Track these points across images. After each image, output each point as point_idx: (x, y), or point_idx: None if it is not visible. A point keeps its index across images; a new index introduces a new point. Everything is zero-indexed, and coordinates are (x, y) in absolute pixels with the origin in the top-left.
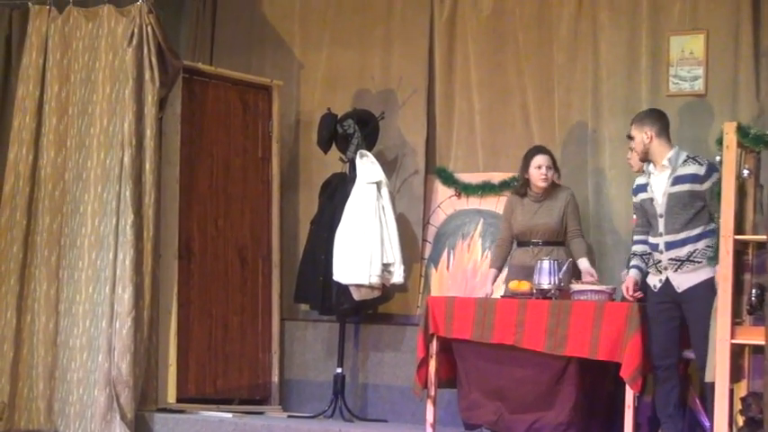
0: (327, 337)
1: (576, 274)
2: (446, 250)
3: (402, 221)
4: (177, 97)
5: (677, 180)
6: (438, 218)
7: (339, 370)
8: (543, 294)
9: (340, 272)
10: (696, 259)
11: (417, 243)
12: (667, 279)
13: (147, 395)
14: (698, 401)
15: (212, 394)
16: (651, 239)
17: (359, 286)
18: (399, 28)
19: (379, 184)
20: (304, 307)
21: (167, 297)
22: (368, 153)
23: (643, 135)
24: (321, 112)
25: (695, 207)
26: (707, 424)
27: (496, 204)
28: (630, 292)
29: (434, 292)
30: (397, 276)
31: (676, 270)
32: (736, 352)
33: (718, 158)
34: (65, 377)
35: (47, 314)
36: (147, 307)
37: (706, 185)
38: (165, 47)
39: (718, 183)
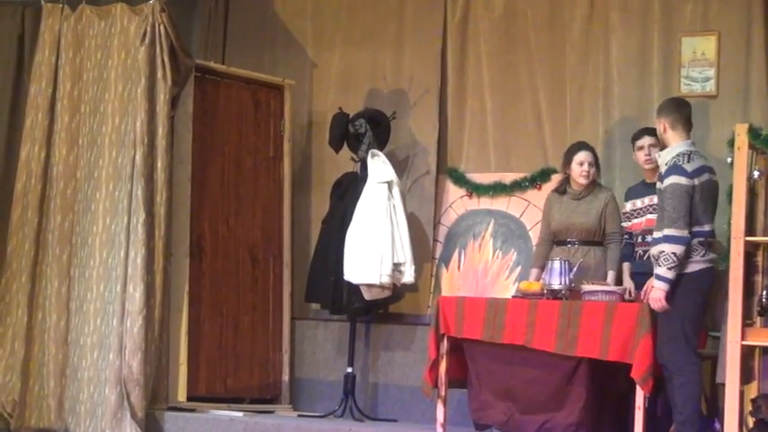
0: (338, 336)
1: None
2: (457, 250)
3: (413, 221)
4: (189, 96)
5: (660, 177)
6: (449, 218)
7: (349, 369)
8: (554, 295)
9: (351, 271)
10: (660, 262)
11: (428, 243)
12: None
13: (158, 394)
14: (707, 403)
15: (223, 393)
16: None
17: (370, 286)
18: (412, 28)
19: (390, 184)
20: (315, 306)
21: (178, 296)
22: (379, 153)
23: (660, 126)
24: (333, 111)
25: (662, 206)
26: (717, 426)
27: (507, 205)
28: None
29: (445, 291)
30: (408, 276)
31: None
32: (747, 353)
33: (729, 160)
34: (75, 375)
35: (58, 312)
36: (158, 305)
37: (662, 185)
38: (177, 45)
39: (671, 188)
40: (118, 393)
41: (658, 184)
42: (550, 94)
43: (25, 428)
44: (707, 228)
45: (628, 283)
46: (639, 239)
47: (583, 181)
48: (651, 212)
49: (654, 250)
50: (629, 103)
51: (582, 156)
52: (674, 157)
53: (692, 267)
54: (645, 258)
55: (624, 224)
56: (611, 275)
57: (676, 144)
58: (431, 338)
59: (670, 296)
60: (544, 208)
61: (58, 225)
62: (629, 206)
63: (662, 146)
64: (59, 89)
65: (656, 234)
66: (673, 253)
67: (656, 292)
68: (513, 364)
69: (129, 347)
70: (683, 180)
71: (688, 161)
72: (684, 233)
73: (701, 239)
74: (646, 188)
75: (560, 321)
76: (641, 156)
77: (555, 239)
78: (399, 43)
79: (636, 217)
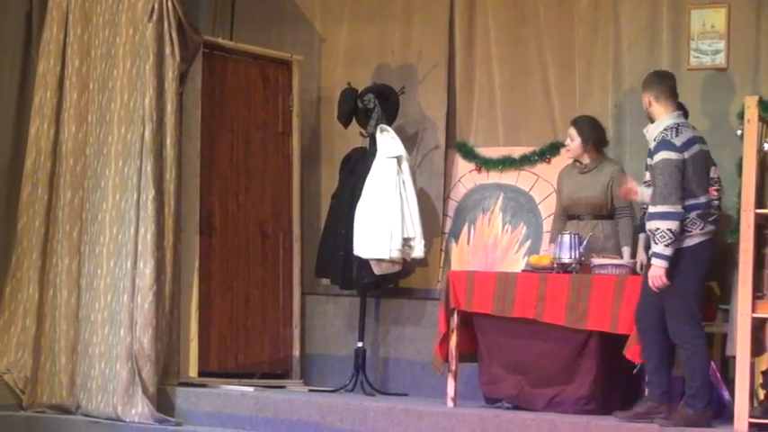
0: (348, 311)
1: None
2: (466, 224)
3: (422, 196)
4: (198, 72)
5: (650, 152)
6: (458, 192)
7: (360, 344)
8: (564, 268)
9: (361, 246)
10: (657, 238)
11: (438, 217)
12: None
13: (169, 369)
14: (718, 375)
15: (234, 368)
16: None
17: (379, 260)
18: (420, 2)
19: (399, 159)
20: (325, 281)
21: (188, 272)
22: (388, 128)
23: (645, 100)
24: (342, 86)
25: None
26: (727, 397)
27: (517, 179)
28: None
29: (455, 266)
30: (418, 251)
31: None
32: (757, 326)
33: (739, 132)
34: (86, 351)
35: (69, 289)
36: (168, 281)
37: (653, 162)
38: (185, 22)
39: (661, 163)
40: (129, 369)
41: (648, 160)
42: (559, 67)
43: (37, 404)
44: (702, 200)
45: (641, 255)
46: None
47: (568, 155)
48: None
49: (650, 225)
50: (638, 76)
51: (569, 130)
52: (661, 132)
53: (691, 241)
54: None
55: None
56: (626, 251)
57: (663, 117)
58: (441, 313)
59: (670, 272)
60: (557, 183)
61: (68, 202)
62: (647, 176)
63: (650, 120)
64: (68, 66)
65: (651, 209)
66: (668, 229)
67: (655, 270)
68: (524, 338)
69: (139, 323)
70: (672, 155)
71: (676, 135)
72: (678, 208)
73: (699, 212)
74: None
75: (570, 295)
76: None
77: (567, 214)
78: (407, 18)
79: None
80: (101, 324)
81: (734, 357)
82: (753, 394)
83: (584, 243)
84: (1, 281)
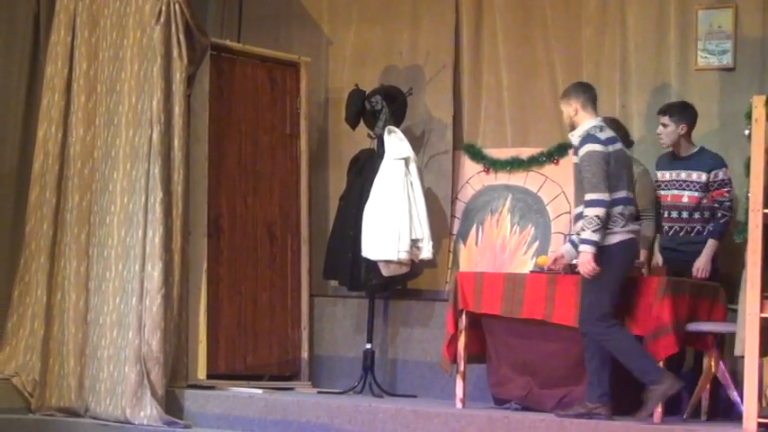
0: (356, 312)
1: None
2: (474, 226)
3: (430, 197)
4: (205, 74)
5: (574, 152)
6: (466, 193)
7: (368, 346)
8: (572, 269)
9: (369, 248)
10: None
11: (446, 219)
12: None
13: (178, 372)
14: (727, 375)
15: (242, 370)
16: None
17: (388, 262)
18: (427, 3)
19: (407, 160)
20: (333, 283)
21: (197, 274)
22: (396, 129)
23: (569, 109)
24: (349, 88)
25: (580, 179)
26: (737, 398)
27: (525, 180)
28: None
29: (463, 267)
30: (426, 252)
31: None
32: (766, 326)
33: (747, 132)
34: (95, 354)
35: (77, 292)
36: (176, 284)
37: (578, 156)
38: (192, 24)
39: (587, 156)
40: (138, 372)
41: (574, 159)
42: (567, 68)
43: (46, 408)
44: (623, 194)
45: (657, 256)
46: (666, 214)
47: None
48: (677, 187)
49: (583, 213)
50: (645, 77)
51: None
52: (586, 130)
53: (613, 239)
54: (671, 234)
55: (656, 193)
56: (642, 254)
57: (587, 121)
58: (449, 314)
59: (598, 259)
60: None
61: (76, 205)
62: (659, 175)
63: (572, 127)
64: (75, 69)
65: (578, 209)
66: (596, 216)
67: (584, 256)
68: (532, 339)
69: (148, 326)
70: (597, 147)
71: (600, 131)
72: (606, 196)
73: (621, 209)
74: (674, 161)
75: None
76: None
77: None
78: (415, 19)
79: (663, 189)
80: (109, 327)
81: (742, 357)
82: (761, 394)
83: None
84: (9, 284)
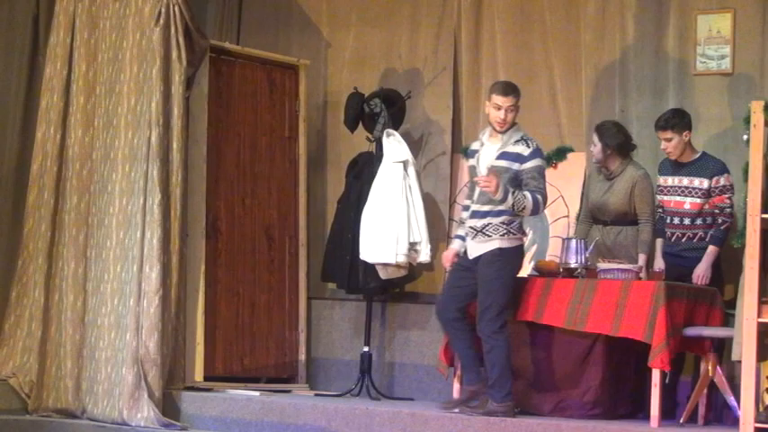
0: (354, 315)
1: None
2: None
3: (428, 200)
4: (204, 76)
5: (502, 156)
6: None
7: (366, 348)
8: (570, 273)
9: (367, 251)
10: (488, 233)
11: (444, 222)
12: (466, 247)
13: (175, 374)
14: (724, 380)
15: (239, 373)
16: (467, 203)
17: (385, 265)
18: (426, 7)
19: (405, 164)
20: (331, 286)
21: (195, 276)
22: (394, 132)
23: (509, 103)
24: (348, 91)
25: (508, 185)
26: (733, 403)
27: None
28: (448, 264)
29: None
30: (424, 255)
31: (473, 238)
32: (763, 330)
33: (745, 137)
34: (93, 356)
35: (75, 293)
36: (174, 286)
37: (526, 166)
38: (191, 26)
39: (539, 168)
40: (135, 373)
41: (508, 164)
42: (565, 72)
43: (43, 409)
44: None
45: (659, 261)
46: (668, 220)
47: (593, 160)
48: (679, 194)
49: (497, 221)
50: (644, 81)
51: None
52: (525, 139)
53: (515, 243)
54: (673, 240)
55: (658, 197)
56: (641, 258)
57: (516, 126)
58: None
59: (497, 269)
60: (584, 185)
61: (75, 206)
62: (661, 180)
63: (502, 124)
64: (74, 70)
65: (483, 208)
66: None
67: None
68: (529, 343)
69: (145, 328)
70: (544, 163)
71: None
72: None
73: (521, 219)
74: (676, 167)
75: (573, 298)
76: (662, 146)
77: (593, 217)
78: (414, 23)
79: (666, 195)
80: (107, 328)
81: (740, 362)
82: (758, 399)
83: (591, 248)
84: (7, 285)
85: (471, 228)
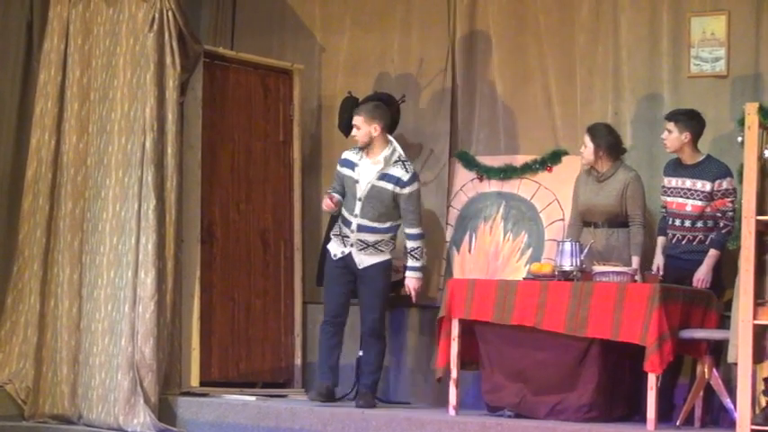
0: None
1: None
2: (468, 233)
3: (424, 204)
4: (198, 82)
5: (384, 177)
6: (460, 201)
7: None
8: (565, 276)
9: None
10: (380, 248)
11: (439, 226)
12: (351, 254)
13: (171, 379)
14: (720, 383)
15: (235, 378)
16: (345, 213)
17: None
18: (420, 11)
19: None
20: None
21: (190, 281)
22: (389, 136)
23: (371, 128)
24: (342, 95)
25: (391, 205)
26: (730, 405)
27: (518, 187)
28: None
29: (456, 274)
30: None
31: (361, 250)
32: (759, 332)
33: (740, 139)
34: (88, 361)
35: (70, 299)
36: (169, 291)
37: (405, 191)
38: (185, 32)
39: (416, 193)
40: (131, 379)
41: (391, 186)
42: (560, 75)
43: (39, 415)
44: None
45: (658, 258)
46: (670, 221)
47: (582, 162)
48: (682, 195)
49: (411, 244)
50: (639, 84)
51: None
52: (404, 162)
53: (391, 255)
54: (674, 241)
55: (662, 198)
56: (635, 261)
57: (389, 145)
58: (438, 321)
59: (384, 278)
60: (574, 189)
61: (69, 212)
62: (665, 181)
63: (366, 142)
64: (69, 76)
65: (413, 230)
66: (423, 248)
67: (416, 282)
68: (525, 346)
69: (141, 333)
70: (419, 186)
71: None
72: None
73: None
74: (680, 169)
75: (571, 302)
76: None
77: (583, 220)
78: (408, 27)
79: (669, 195)
80: (101, 334)
81: (735, 364)
82: (754, 401)
83: (585, 251)
84: (2, 291)
85: (361, 241)
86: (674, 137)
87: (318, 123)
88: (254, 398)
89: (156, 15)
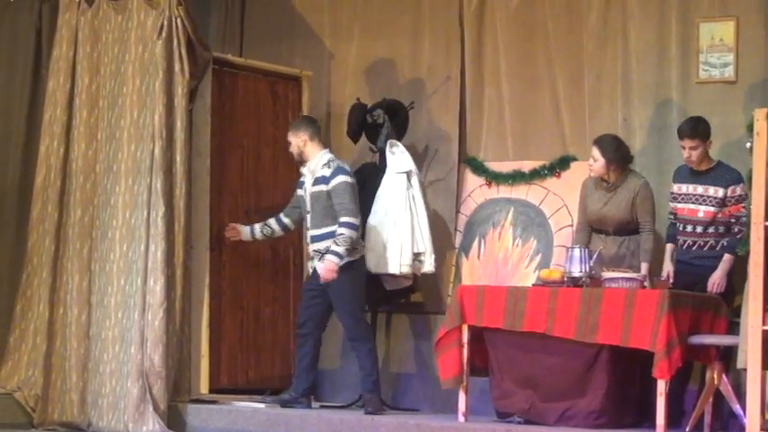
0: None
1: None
2: (477, 239)
3: (432, 211)
4: (207, 89)
5: (316, 181)
6: (468, 207)
7: None
8: (574, 282)
9: (371, 261)
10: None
11: (448, 232)
12: (315, 269)
13: (180, 386)
14: (730, 388)
15: (244, 385)
16: (307, 230)
17: (390, 276)
18: (429, 18)
19: (409, 174)
20: None
21: (199, 288)
22: (398, 143)
23: (298, 140)
24: (351, 102)
25: (329, 206)
26: (739, 411)
27: (527, 193)
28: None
29: (465, 280)
30: (428, 265)
31: (319, 261)
32: None
33: (748, 145)
34: (97, 369)
35: (79, 306)
36: (178, 298)
37: (330, 186)
38: (194, 39)
39: (342, 185)
40: (140, 386)
41: (322, 187)
42: (569, 81)
43: (48, 422)
44: (359, 219)
45: (667, 265)
46: (681, 227)
47: (591, 174)
48: (693, 201)
49: (338, 231)
50: (647, 90)
51: (592, 151)
52: (328, 162)
53: (357, 255)
54: (684, 247)
55: (671, 204)
56: (644, 267)
57: (321, 152)
58: (442, 328)
59: (343, 280)
60: (580, 194)
61: (78, 219)
62: (675, 188)
63: (298, 157)
64: (77, 84)
65: (342, 219)
66: (350, 237)
67: (330, 264)
68: (535, 352)
69: (150, 340)
70: (349, 178)
71: (343, 163)
72: (357, 221)
73: (359, 232)
74: (692, 175)
75: (580, 309)
76: (684, 153)
77: (593, 227)
78: (416, 33)
79: (680, 202)
80: (111, 342)
81: (745, 370)
82: (764, 407)
83: (595, 257)
84: (11, 299)
85: (316, 251)
86: (700, 151)
87: (327, 130)
88: (263, 405)
89: (165, 23)
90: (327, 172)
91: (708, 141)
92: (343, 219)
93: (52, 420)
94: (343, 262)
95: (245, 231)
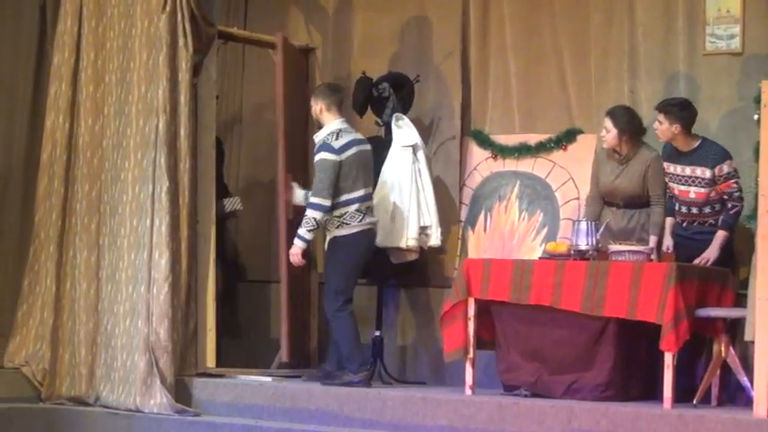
0: (366, 300)
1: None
2: (483, 212)
3: (438, 184)
4: (212, 62)
5: (316, 151)
6: (474, 180)
7: (377, 333)
8: (581, 255)
9: (378, 235)
10: (327, 226)
11: (454, 206)
12: None
13: (187, 360)
14: (737, 361)
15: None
16: None
17: (396, 249)
18: None
19: (414, 148)
20: None
21: (205, 263)
22: (403, 116)
23: (316, 107)
24: (357, 75)
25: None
26: (746, 383)
27: (533, 166)
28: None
29: (472, 254)
30: (434, 239)
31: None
32: None
33: (756, 117)
34: (109, 343)
35: (87, 281)
36: (183, 272)
37: (314, 161)
38: (197, 13)
39: (320, 162)
40: (147, 360)
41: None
42: (574, 55)
43: (56, 397)
44: (360, 192)
45: (667, 239)
46: (677, 207)
47: (603, 146)
48: (684, 183)
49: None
50: (654, 63)
51: (604, 121)
52: (325, 136)
53: (349, 231)
54: (684, 225)
55: (667, 182)
56: (652, 240)
57: (332, 122)
58: (446, 302)
59: (327, 257)
60: (593, 166)
61: (86, 194)
62: (665, 166)
63: (318, 124)
64: (83, 59)
65: (310, 200)
66: (313, 218)
67: (295, 249)
68: (541, 325)
69: (156, 314)
70: (329, 156)
71: (336, 138)
72: (327, 202)
73: (357, 206)
74: (677, 155)
75: (587, 282)
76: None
77: (605, 200)
78: (422, 7)
79: (672, 181)
80: (123, 316)
81: (752, 342)
82: None
83: (602, 230)
84: (19, 273)
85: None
86: (664, 128)
87: None
88: (269, 378)
89: None
90: (317, 147)
91: (675, 125)
92: (311, 199)
93: (60, 394)
94: (309, 242)
95: (299, 194)
